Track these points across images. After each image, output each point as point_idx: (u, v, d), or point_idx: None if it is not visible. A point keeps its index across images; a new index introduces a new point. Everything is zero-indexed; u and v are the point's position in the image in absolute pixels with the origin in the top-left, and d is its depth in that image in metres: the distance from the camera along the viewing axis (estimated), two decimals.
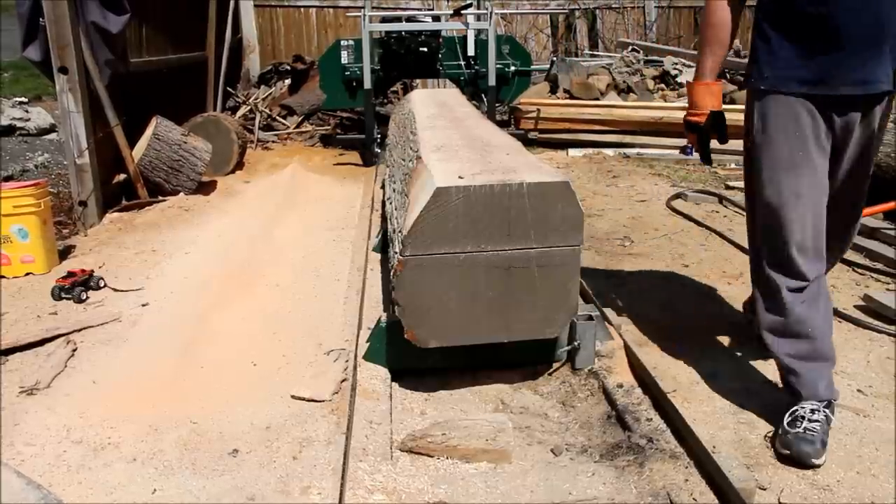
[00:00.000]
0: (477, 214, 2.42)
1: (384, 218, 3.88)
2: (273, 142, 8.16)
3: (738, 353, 3.02)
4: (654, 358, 2.92)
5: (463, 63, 7.15)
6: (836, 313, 3.35)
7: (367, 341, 2.77)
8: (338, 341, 3.07)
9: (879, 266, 3.96)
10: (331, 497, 2.09)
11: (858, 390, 2.72)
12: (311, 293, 3.72)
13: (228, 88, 8.63)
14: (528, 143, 7.02)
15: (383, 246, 3.87)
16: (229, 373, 2.87)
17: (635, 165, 6.75)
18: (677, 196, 5.47)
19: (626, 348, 2.85)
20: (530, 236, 2.48)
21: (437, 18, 7.50)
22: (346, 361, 2.83)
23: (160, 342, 3.12)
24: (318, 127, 8.62)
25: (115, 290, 3.76)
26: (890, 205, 4.66)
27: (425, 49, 6.88)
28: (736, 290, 3.68)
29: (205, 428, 2.48)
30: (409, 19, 7.20)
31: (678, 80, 8.24)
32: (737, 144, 2.57)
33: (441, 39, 7.02)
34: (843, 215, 2.52)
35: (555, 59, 8.88)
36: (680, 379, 2.80)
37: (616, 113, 7.47)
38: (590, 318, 2.81)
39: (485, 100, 6.90)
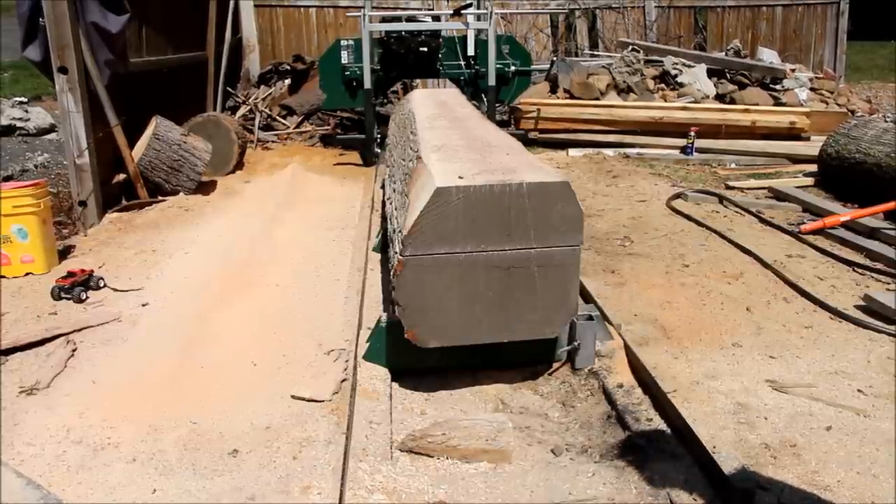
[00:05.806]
0: (477, 214, 2.42)
1: (384, 218, 3.88)
2: (273, 142, 8.16)
3: (738, 353, 3.02)
4: (654, 358, 2.92)
5: (463, 63, 7.14)
6: (837, 313, 3.36)
7: (367, 341, 2.77)
8: (338, 341, 3.07)
9: (879, 266, 3.95)
10: (331, 497, 2.09)
11: (858, 390, 2.72)
12: (311, 293, 3.71)
13: (228, 88, 8.63)
14: (528, 143, 7.01)
15: (383, 246, 3.87)
16: (229, 373, 2.87)
17: (635, 165, 6.74)
18: (677, 196, 5.47)
19: (626, 348, 2.85)
20: (530, 236, 2.48)
21: (437, 18, 7.49)
22: (346, 361, 2.83)
23: (160, 342, 3.12)
24: (318, 127, 8.61)
25: (115, 290, 3.76)
26: (890, 205, 4.67)
27: (425, 49, 6.88)
28: (736, 289, 3.68)
29: (205, 428, 2.48)
30: (409, 19, 7.19)
31: (678, 80, 8.23)
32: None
33: (441, 39, 7.02)
34: None
35: (555, 59, 8.87)
36: (680, 379, 2.80)
37: (616, 113, 7.46)
38: (590, 318, 2.81)
39: (485, 100, 6.90)
